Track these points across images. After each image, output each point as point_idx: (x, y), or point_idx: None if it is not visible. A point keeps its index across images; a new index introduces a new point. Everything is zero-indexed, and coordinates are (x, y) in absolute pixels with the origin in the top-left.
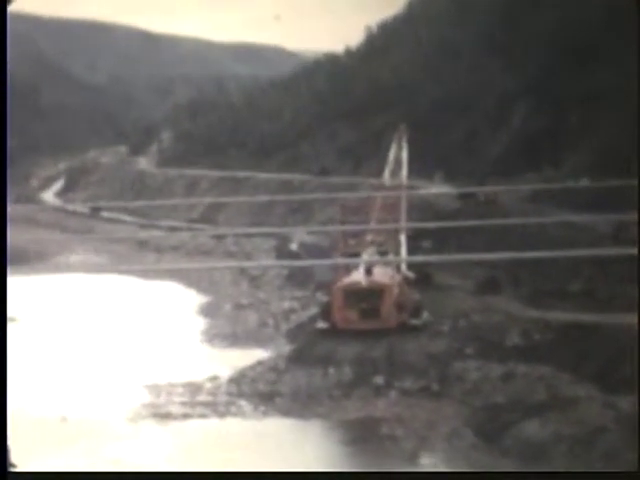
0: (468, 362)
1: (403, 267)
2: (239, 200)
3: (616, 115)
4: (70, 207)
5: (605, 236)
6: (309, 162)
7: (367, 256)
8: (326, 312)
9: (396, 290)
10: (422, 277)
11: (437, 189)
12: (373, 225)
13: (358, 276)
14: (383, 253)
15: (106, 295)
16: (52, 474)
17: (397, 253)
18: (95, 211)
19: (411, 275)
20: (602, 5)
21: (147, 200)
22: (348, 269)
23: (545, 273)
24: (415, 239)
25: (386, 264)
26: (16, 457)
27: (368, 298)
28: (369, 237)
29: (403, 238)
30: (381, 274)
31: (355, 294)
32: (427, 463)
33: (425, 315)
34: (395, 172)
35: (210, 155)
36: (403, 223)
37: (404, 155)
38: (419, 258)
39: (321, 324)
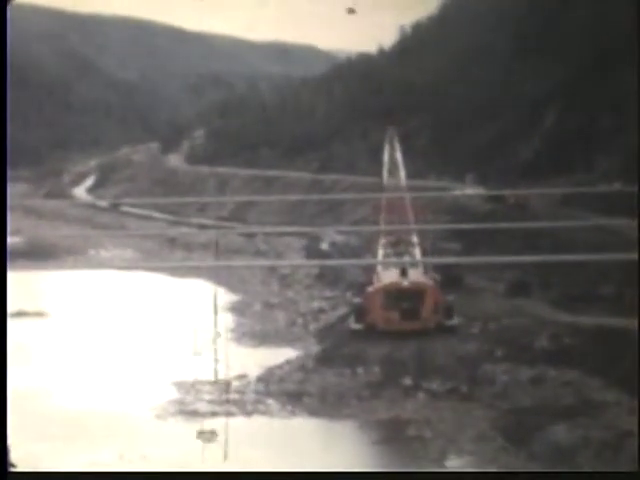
0: (497, 365)
1: (418, 268)
2: (270, 199)
3: None
4: (90, 202)
5: (636, 240)
6: (340, 162)
7: (382, 257)
8: (360, 313)
9: (436, 291)
10: (450, 279)
11: (469, 191)
12: (412, 226)
13: (393, 276)
14: (399, 254)
15: (136, 292)
16: (52, 474)
17: (411, 254)
18: (115, 206)
19: (437, 277)
20: (634, 7)
21: (178, 197)
22: (375, 269)
23: (575, 277)
24: (446, 240)
25: (412, 265)
26: (43, 450)
27: (409, 299)
28: (383, 239)
29: (415, 239)
30: (416, 275)
31: (396, 295)
32: (454, 465)
33: (456, 317)
34: (392, 173)
35: (241, 154)
36: (412, 224)
37: (398, 156)
38: (451, 259)
39: (355, 325)
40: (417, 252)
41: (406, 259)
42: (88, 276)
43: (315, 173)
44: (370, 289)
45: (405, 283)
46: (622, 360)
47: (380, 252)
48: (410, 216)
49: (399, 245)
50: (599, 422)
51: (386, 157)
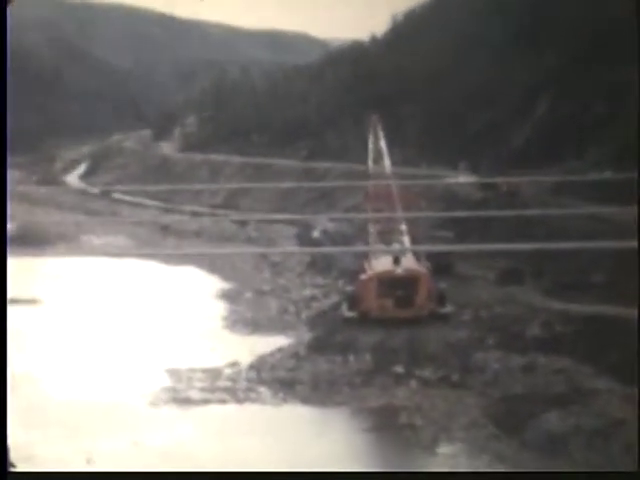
0: (489, 353)
1: (410, 256)
2: (262, 186)
3: None
4: (82, 188)
5: (628, 228)
6: (333, 149)
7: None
8: (353, 301)
9: (429, 279)
10: (441, 267)
11: (462, 179)
12: (400, 214)
13: (387, 264)
14: (388, 242)
15: (127, 279)
16: (52, 474)
17: (400, 242)
18: (105, 193)
19: (428, 265)
20: None
21: (170, 185)
22: (366, 257)
23: (567, 265)
24: (438, 228)
25: (402, 253)
26: (40, 439)
27: (403, 286)
28: (371, 228)
29: (403, 227)
30: (408, 263)
31: (390, 282)
32: (446, 452)
33: (448, 304)
34: (377, 161)
35: (234, 141)
36: (399, 212)
37: (382, 144)
38: (443, 247)
39: (348, 313)
40: (406, 240)
41: (397, 247)
42: (81, 263)
43: (307, 161)
44: (363, 277)
45: (399, 271)
46: (614, 348)
47: (370, 240)
48: (397, 204)
49: (388, 234)
50: (591, 410)
51: (370, 145)
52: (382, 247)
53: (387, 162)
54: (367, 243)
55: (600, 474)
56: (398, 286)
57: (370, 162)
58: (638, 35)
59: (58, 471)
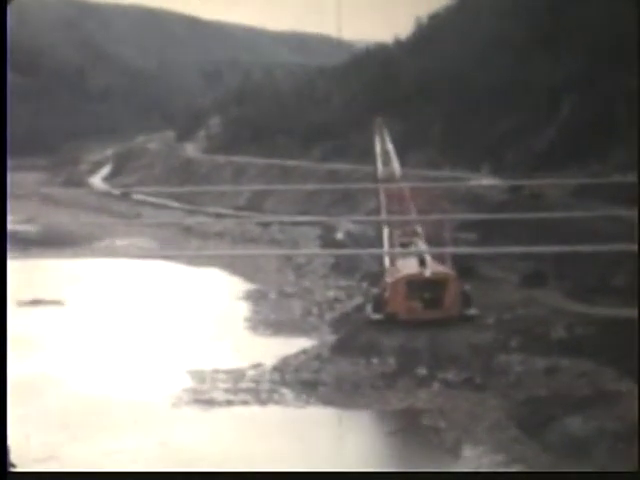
0: (512, 355)
1: (428, 258)
2: (286, 188)
3: None
4: (104, 190)
5: None
6: (356, 151)
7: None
8: (379, 303)
9: (457, 281)
10: (464, 269)
11: (484, 181)
12: (415, 216)
13: (412, 266)
14: (405, 244)
15: (151, 280)
16: (52, 474)
17: (416, 244)
18: (126, 194)
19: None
20: None
21: (194, 186)
22: (383, 259)
23: (590, 267)
24: (461, 230)
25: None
26: (61, 439)
27: (432, 288)
28: (386, 230)
29: (420, 229)
30: (433, 265)
31: (419, 284)
32: (469, 455)
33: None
34: (386, 164)
35: (258, 142)
36: (414, 214)
37: (389, 147)
38: (466, 250)
39: (375, 315)
40: (421, 242)
41: (417, 249)
42: (104, 264)
43: (330, 162)
44: (390, 279)
45: (427, 273)
46: (636, 350)
47: (386, 244)
48: (411, 207)
49: (404, 236)
50: (613, 413)
51: (378, 148)
52: (407, 249)
53: (396, 165)
54: (392, 245)
55: (600, 474)
56: (427, 288)
57: (379, 165)
58: None
59: (58, 471)
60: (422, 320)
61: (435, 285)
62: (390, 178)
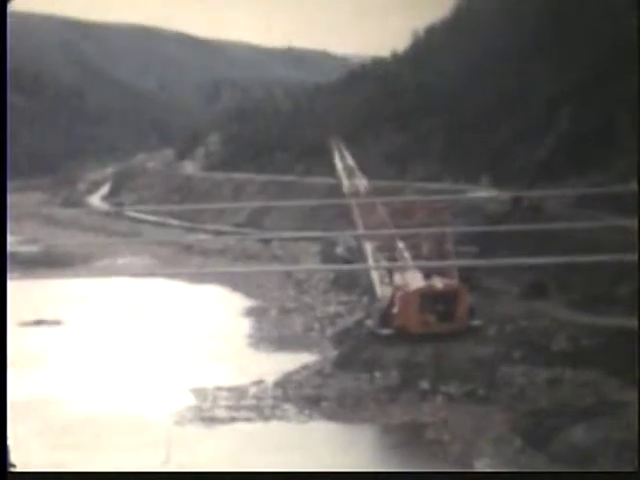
0: (515, 367)
1: (413, 271)
2: (284, 204)
3: None
4: (104, 210)
5: None
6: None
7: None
8: (386, 317)
9: (466, 293)
10: (464, 282)
11: (484, 193)
12: (418, 229)
13: (417, 279)
14: (391, 259)
15: (153, 299)
16: (52, 474)
17: (401, 259)
18: (118, 211)
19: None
20: None
21: (193, 204)
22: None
23: (592, 278)
24: (462, 243)
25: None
26: (64, 458)
27: (444, 301)
28: (368, 246)
29: (400, 244)
30: (440, 277)
31: (431, 297)
32: (475, 468)
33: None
34: (350, 178)
35: (256, 159)
36: (392, 229)
37: (350, 162)
38: (467, 262)
39: (384, 330)
40: (407, 256)
41: (435, 263)
42: (105, 283)
43: (330, 177)
44: (400, 292)
45: (439, 285)
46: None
47: (370, 258)
48: (387, 220)
49: (387, 251)
50: (618, 422)
51: (339, 165)
52: (409, 263)
53: (361, 180)
54: (373, 261)
55: (600, 474)
56: (439, 300)
57: (344, 181)
58: None
59: (58, 471)
60: (435, 333)
61: (447, 297)
62: (356, 192)
